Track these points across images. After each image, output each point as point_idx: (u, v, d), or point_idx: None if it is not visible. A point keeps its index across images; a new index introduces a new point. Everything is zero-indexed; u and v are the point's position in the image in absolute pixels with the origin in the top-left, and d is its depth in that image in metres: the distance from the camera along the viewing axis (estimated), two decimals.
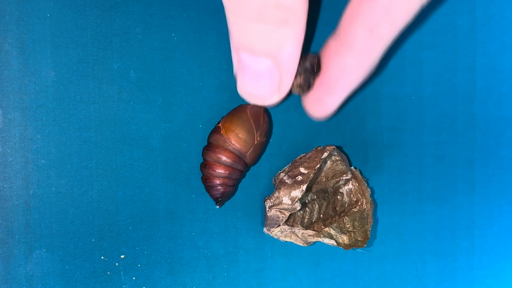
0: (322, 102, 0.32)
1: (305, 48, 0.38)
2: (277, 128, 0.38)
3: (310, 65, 0.32)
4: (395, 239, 0.40)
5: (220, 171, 0.33)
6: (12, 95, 0.33)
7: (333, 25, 0.38)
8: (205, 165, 0.34)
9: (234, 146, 0.33)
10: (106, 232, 0.34)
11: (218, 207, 0.35)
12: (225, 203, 0.36)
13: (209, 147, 0.34)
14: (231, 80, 0.36)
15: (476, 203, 0.41)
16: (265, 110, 0.35)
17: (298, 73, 0.32)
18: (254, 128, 0.33)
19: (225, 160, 0.33)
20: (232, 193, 0.36)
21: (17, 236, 0.33)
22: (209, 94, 0.36)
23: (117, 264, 0.35)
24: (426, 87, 0.40)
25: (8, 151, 0.33)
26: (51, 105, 0.33)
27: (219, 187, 0.34)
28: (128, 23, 0.34)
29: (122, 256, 0.35)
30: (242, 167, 0.34)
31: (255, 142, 0.34)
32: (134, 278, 0.35)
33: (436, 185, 0.41)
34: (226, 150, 0.33)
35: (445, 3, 0.40)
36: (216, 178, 0.34)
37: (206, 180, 0.34)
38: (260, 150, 0.35)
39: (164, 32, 0.35)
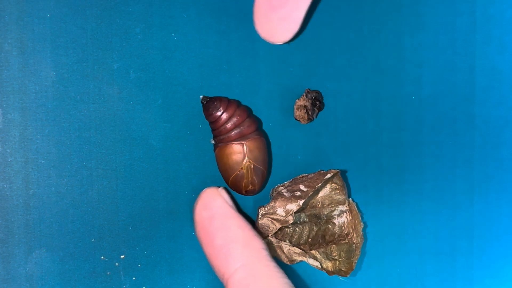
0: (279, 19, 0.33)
1: (305, 47, 0.38)
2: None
3: (315, 98, 0.36)
4: (394, 239, 0.40)
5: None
6: (12, 95, 0.33)
7: (333, 25, 0.38)
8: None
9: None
10: (106, 232, 0.35)
11: None
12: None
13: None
14: (231, 80, 0.36)
15: (476, 203, 0.41)
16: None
17: (305, 98, 0.36)
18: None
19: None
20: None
21: (17, 236, 0.33)
22: (209, 94, 0.36)
23: (117, 264, 0.35)
24: (426, 87, 0.40)
25: (8, 151, 0.33)
26: (51, 105, 0.33)
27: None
28: (128, 23, 0.34)
29: (122, 256, 0.35)
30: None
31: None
32: (134, 278, 0.35)
33: (435, 185, 0.41)
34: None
35: (445, 3, 0.40)
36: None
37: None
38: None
39: (164, 32, 0.35)
